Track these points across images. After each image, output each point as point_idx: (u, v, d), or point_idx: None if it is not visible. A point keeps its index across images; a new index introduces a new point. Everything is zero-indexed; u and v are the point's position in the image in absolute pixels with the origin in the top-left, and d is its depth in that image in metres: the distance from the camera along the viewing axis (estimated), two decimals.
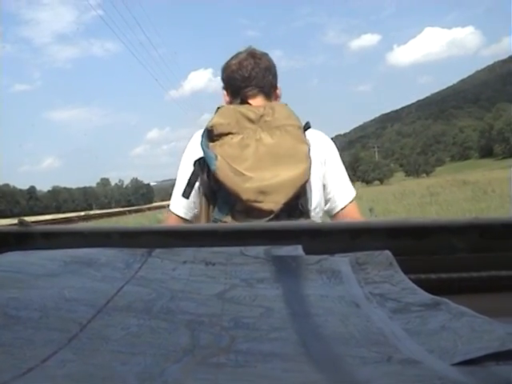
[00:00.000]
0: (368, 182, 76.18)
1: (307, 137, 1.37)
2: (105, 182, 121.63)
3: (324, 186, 1.48)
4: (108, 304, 0.42)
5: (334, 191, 1.49)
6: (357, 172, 77.68)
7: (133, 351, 0.33)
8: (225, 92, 1.56)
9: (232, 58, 1.53)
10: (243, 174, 1.26)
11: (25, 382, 0.28)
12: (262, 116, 1.34)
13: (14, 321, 0.37)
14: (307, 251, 0.56)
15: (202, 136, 1.35)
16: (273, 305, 0.44)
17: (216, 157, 1.28)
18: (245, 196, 1.26)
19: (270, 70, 1.51)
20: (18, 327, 0.36)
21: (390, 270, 0.53)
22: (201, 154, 1.34)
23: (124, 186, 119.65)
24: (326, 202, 1.50)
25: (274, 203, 1.26)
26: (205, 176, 1.34)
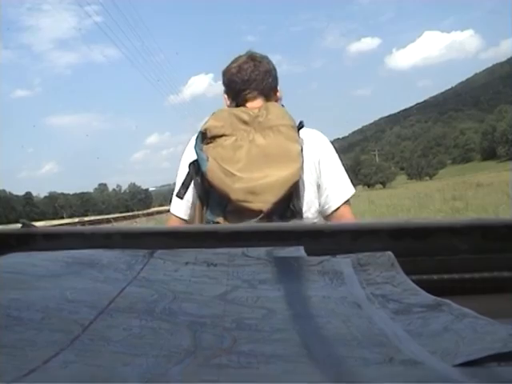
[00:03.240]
0: (370, 186, 75.46)
1: (302, 136, 1.37)
2: (102, 187, 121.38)
3: (319, 186, 1.46)
4: (110, 305, 0.42)
5: (328, 190, 1.47)
6: (358, 175, 77.03)
7: (135, 352, 0.33)
8: (225, 96, 1.57)
9: (232, 62, 1.54)
10: (234, 175, 1.28)
11: (27, 383, 0.28)
12: (255, 117, 1.35)
13: (16, 322, 0.37)
14: (309, 252, 0.56)
15: (197, 139, 1.37)
16: (275, 306, 0.44)
17: (207, 158, 1.30)
18: (234, 196, 1.27)
19: (270, 73, 1.52)
20: (19, 328, 0.36)
21: (392, 271, 0.53)
22: (195, 158, 1.36)
23: (122, 192, 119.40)
24: (320, 202, 1.48)
25: (263, 203, 1.27)
26: (198, 178, 1.36)
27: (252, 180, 1.27)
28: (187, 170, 1.39)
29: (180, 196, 1.41)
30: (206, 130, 1.34)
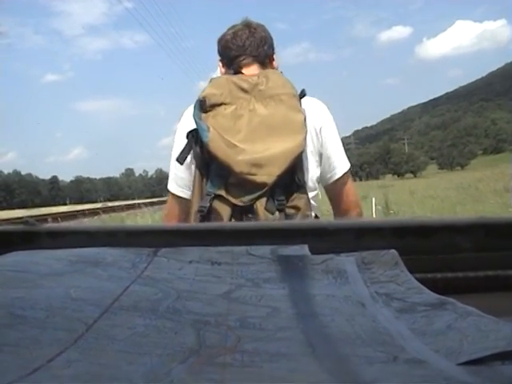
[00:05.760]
0: (400, 175, 73.21)
1: (303, 105, 1.34)
2: (129, 172, 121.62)
3: (321, 154, 1.44)
4: (114, 304, 0.42)
5: (332, 159, 1.46)
6: (388, 164, 74.67)
7: (139, 351, 0.34)
8: (220, 63, 1.54)
9: (228, 29, 1.52)
10: (236, 146, 1.24)
11: (31, 382, 0.28)
12: (255, 85, 1.32)
13: (20, 320, 0.37)
14: (313, 251, 0.56)
15: (195, 107, 1.32)
16: (279, 304, 0.44)
17: (208, 128, 1.26)
18: (238, 169, 1.24)
19: (266, 40, 1.50)
20: (23, 327, 0.36)
21: (396, 270, 0.53)
22: (194, 127, 1.32)
23: (148, 177, 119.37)
24: (322, 171, 1.46)
25: (267, 176, 1.24)
26: (197, 148, 1.31)
27: (255, 152, 1.24)
28: (185, 140, 1.34)
29: (180, 161, 1.35)
30: (204, 97, 1.30)
